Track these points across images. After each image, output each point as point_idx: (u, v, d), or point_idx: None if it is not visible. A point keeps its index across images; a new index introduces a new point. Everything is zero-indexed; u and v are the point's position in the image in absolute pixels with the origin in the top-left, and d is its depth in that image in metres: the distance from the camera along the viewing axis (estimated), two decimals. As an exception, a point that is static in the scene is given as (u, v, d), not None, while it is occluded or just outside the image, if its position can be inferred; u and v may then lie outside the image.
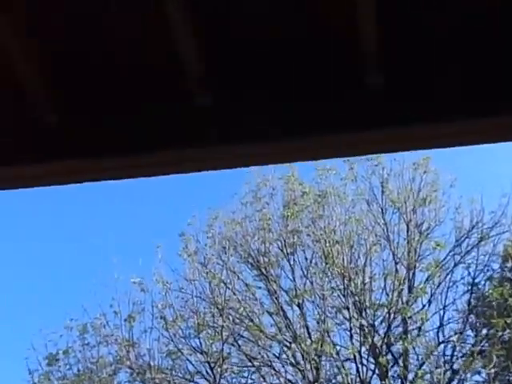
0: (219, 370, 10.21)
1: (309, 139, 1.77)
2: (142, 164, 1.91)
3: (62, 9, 1.72)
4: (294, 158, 2.12)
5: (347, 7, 1.61)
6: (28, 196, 10.84)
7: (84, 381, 10.34)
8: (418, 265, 10.87)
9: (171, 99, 1.82)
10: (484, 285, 10.78)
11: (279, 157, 2.05)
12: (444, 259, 10.83)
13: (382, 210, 11.11)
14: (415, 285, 10.75)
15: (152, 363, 10.28)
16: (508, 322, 9.77)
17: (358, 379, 10.27)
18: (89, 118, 1.87)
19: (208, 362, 10.27)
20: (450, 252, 10.87)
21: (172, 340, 10.48)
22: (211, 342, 10.37)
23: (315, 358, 10.27)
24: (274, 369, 10.49)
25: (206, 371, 10.29)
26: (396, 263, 10.84)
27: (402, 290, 10.66)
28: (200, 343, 10.42)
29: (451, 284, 10.79)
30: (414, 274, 10.84)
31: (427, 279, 10.75)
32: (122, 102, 1.85)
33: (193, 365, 10.45)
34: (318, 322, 10.63)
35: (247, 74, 1.80)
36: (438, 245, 10.74)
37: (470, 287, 10.76)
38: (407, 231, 10.97)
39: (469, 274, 10.80)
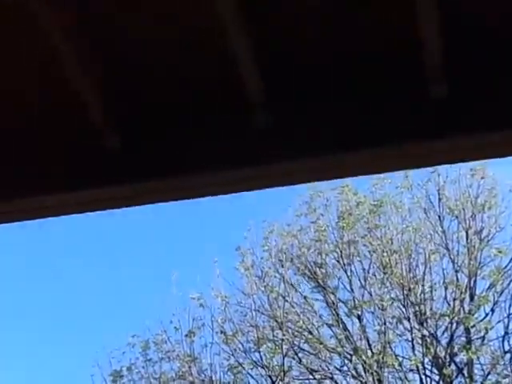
0: (280, 383, 10.19)
1: (371, 151, 1.77)
2: (202, 184, 1.88)
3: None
4: (357, 171, 2.10)
5: (408, 19, 1.63)
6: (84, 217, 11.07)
7: (148, 397, 10.48)
8: (479, 272, 10.65)
9: (232, 118, 1.83)
10: (549, 291, 10.47)
11: (343, 171, 2.02)
12: (506, 266, 10.57)
13: (439, 217, 10.95)
14: (477, 293, 10.53)
15: (214, 378, 10.34)
16: None
17: (421, 390, 10.10)
18: (152, 137, 1.87)
19: (269, 376, 10.27)
20: (512, 258, 10.60)
21: (232, 354, 10.54)
22: (272, 355, 10.37)
23: (377, 369, 10.15)
24: (336, 381, 10.42)
25: (268, 385, 10.28)
26: (456, 271, 10.65)
27: (463, 298, 10.45)
28: (260, 357, 10.43)
29: (515, 291, 10.52)
30: (475, 282, 10.62)
31: (489, 287, 10.51)
32: (185, 118, 1.86)
33: (254, 379, 10.48)
34: (378, 334, 10.51)
35: (308, 88, 1.81)
36: (499, 251, 10.49)
37: (534, 294, 10.46)
38: (467, 238, 10.76)
39: (533, 280, 10.50)
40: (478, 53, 1.64)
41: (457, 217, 10.85)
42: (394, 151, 1.80)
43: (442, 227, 10.86)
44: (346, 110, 1.78)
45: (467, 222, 10.80)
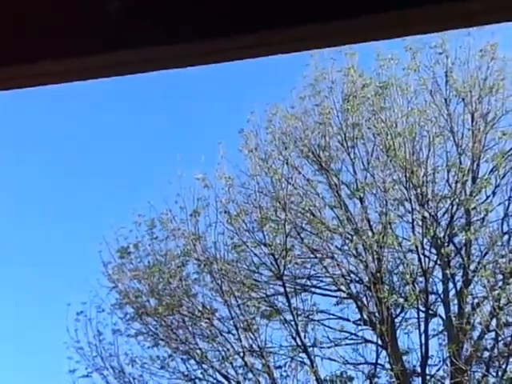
0: (283, 261, 10.50)
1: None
2: (204, 51, 1.80)
3: None
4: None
5: None
6: (91, 89, 11.04)
7: (155, 272, 10.88)
8: (482, 155, 10.65)
9: None
10: (553, 174, 10.49)
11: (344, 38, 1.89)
12: (510, 149, 10.54)
13: (445, 100, 10.81)
14: (479, 176, 10.58)
15: (218, 255, 10.67)
16: None
17: (419, 269, 10.38)
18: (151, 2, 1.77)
19: (272, 254, 10.56)
20: (516, 142, 10.56)
21: (236, 233, 10.81)
22: (274, 234, 10.62)
23: (377, 249, 10.40)
24: (337, 260, 10.71)
25: (271, 262, 10.60)
26: (460, 154, 10.65)
27: (465, 181, 10.52)
28: (264, 236, 10.70)
29: (517, 174, 10.54)
30: (478, 165, 10.64)
31: (492, 170, 10.54)
32: None
33: (258, 256, 10.78)
34: (379, 215, 10.68)
35: None
36: (504, 134, 10.43)
37: (537, 177, 10.49)
38: (472, 121, 10.68)
39: (537, 163, 10.50)
40: None
41: (463, 99, 10.71)
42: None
43: (447, 110, 10.75)
44: None
45: (474, 104, 10.67)
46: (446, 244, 10.37)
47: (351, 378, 10.34)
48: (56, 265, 12.46)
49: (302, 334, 10.29)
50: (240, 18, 1.74)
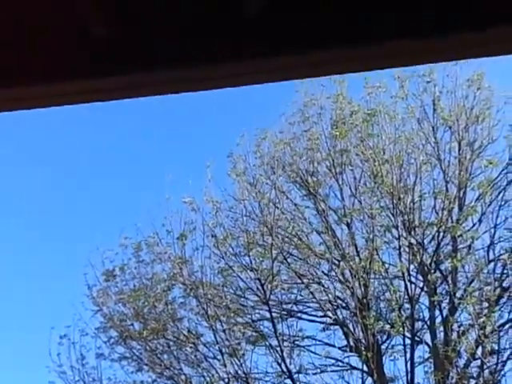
0: (269, 286, 10.47)
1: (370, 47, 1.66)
2: (191, 78, 1.80)
3: None
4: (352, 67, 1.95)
5: None
6: (78, 112, 11.05)
7: (140, 296, 10.79)
8: (469, 183, 10.74)
9: (219, 10, 1.73)
10: (537, 203, 10.59)
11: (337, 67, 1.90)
12: (496, 178, 10.65)
13: (433, 128, 10.93)
14: (466, 203, 10.65)
15: (204, 280, 10.61)
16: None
17: (406, 296, 10.39)
18: (138, 28, 1.77)
19: (258, 279, 10.52)
20: (502, 170, 10.67)
21: (223, 257, 10.77)
22: (261, 259, 10.60)
23: (364, 275, 10.40)
24: (323, 286, 10.69)
25: (257, 287, 10.56)
26: (446, 182, 10.73)
27: (452, 208, 10.59)
28: (250, 261, 10.66)
29: (503, 203, 10.63)
30: (464, 192, 10.73)
31: (478, 198, 10.63)
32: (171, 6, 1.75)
33: (244, 281, 10.74)
34: (366, 241, 10.71)
35: None
36: (490, 163, 10.54)
37: (522, 205, 10.59)
38: (459, 150, 10.79)
39: (522, 192, 10.61)
40: None
41: (450, 127, 10.83)
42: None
43: (434, 138, 10.86)
44: (342, 3, 1.67)
45: (460, 133, 10.80)
46: (432, 271, 10.40)
47: (337, 405, 10.27)
48: (41, 287, 12.33)
49: (288, 360, 10.23)
50: (242, 45, 1.75)
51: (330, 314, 10.57)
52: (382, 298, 10.74)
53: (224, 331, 10.41)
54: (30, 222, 12.50)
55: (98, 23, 1.73)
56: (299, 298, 10.89)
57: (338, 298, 10.59)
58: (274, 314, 10.40)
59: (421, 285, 10.50)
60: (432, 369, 10.10)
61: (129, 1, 1.78)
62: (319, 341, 10.65)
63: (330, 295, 10.59)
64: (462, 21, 1.61)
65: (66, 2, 1.74)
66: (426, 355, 10.38)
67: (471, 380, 10.05)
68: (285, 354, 10.18)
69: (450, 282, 10.39)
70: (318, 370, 10.38)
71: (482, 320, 9.80)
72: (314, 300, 10.73)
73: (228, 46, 1.74)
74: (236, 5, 1.69)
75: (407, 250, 10.54)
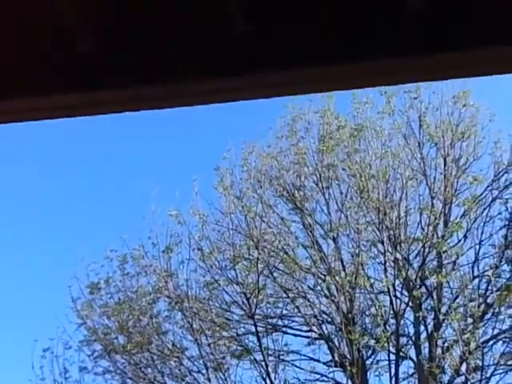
0: (255, 300, 10.43)
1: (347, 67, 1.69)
2: (179, 94, 1.81)
3: None
4: (334, 86, 1.98)
5: None
6: (63, 126, 11.02)
7: (125, 309, 10.71)
8: (454, 200, 10.81)
9: (210, 27, 1.74)
10: (522, 220, 10.67)
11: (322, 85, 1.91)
12: (481, 194, 10.73)
13: (419, 144, 11.00)
14: (451, 219, 10.71)
15: (190, 293, 10.56)
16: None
17: (391, 311, 10.40)
18: (124, 44, 1.75)
19: (244, 293, 10.49)
20: (487, 187, 10.76)
21: (209, 271, 10.74)
22: (247, 273, 10.57)
23: (349, 290, 10.40)
24: (309, 300, 10.68)
25: (243, 301, 10.52)
26: (432, 198, 10.79)
27: (437, 224, 10.63)
28: (236, 274, 10.63)
29: (488, 219, 10.71)
30: (450, 208, 10.79)
31: (463, 214, 10.70)
32: (158, 27, 1.73)
33: (229, 295, 10.71)
34: (352, 256, 10.73)
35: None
36: (475, 179, 10.63)
37: (507, 222, 10.66)
38: (444, 166, 10.87)
39: (506, 209, 10.70)
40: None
41: (436, 144, 10.92)
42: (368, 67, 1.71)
43: (420, 154, 10.94)
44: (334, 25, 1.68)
45: (446, 149, 10.88)
46: (417, 286, 10.43)
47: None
48: (24, 299, 12.22)
49: (273, 375, 10.18)
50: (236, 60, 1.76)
51: (315, 328, 10.55)
52: (367, 313, 10.75)
53: (209, 345, 10.35)
54: (15, 234, 12.42)
55: (85, 37, 1.74)
56: (285, 312, 10.87)
57: (324, 312, 10.59)
58: (259, 329, 10.36)
59: (406, 300, 10.52)
60: (416, 384, 10.10)
61: (119, 16, 1.79)
62: (304, 355, 10.63)
63: (315, 310, 10.58)
64: (450, 43, 1.65)
65: (53, 18, 1.75)
66: (411, 371, 10.39)
67: (455, 396, 10.06)
68: (270, 369, 10.14)
69: (435, 297, 10.42)
70: (303, 385, 10.33)
71: (466, 336, 9.83)
72: (299, 314, 10.72)
73: (216, 61, 1.75)
74: (225, 22, 1.71)
75: (393, 265, 10.56)
